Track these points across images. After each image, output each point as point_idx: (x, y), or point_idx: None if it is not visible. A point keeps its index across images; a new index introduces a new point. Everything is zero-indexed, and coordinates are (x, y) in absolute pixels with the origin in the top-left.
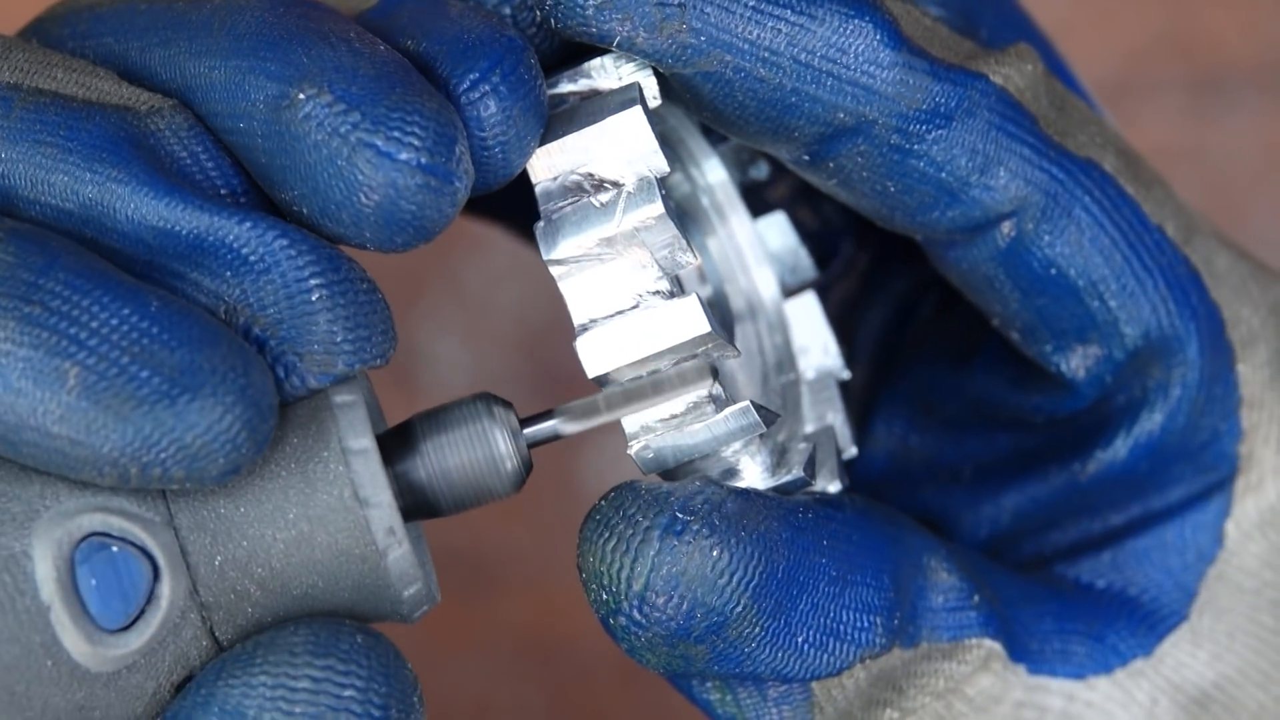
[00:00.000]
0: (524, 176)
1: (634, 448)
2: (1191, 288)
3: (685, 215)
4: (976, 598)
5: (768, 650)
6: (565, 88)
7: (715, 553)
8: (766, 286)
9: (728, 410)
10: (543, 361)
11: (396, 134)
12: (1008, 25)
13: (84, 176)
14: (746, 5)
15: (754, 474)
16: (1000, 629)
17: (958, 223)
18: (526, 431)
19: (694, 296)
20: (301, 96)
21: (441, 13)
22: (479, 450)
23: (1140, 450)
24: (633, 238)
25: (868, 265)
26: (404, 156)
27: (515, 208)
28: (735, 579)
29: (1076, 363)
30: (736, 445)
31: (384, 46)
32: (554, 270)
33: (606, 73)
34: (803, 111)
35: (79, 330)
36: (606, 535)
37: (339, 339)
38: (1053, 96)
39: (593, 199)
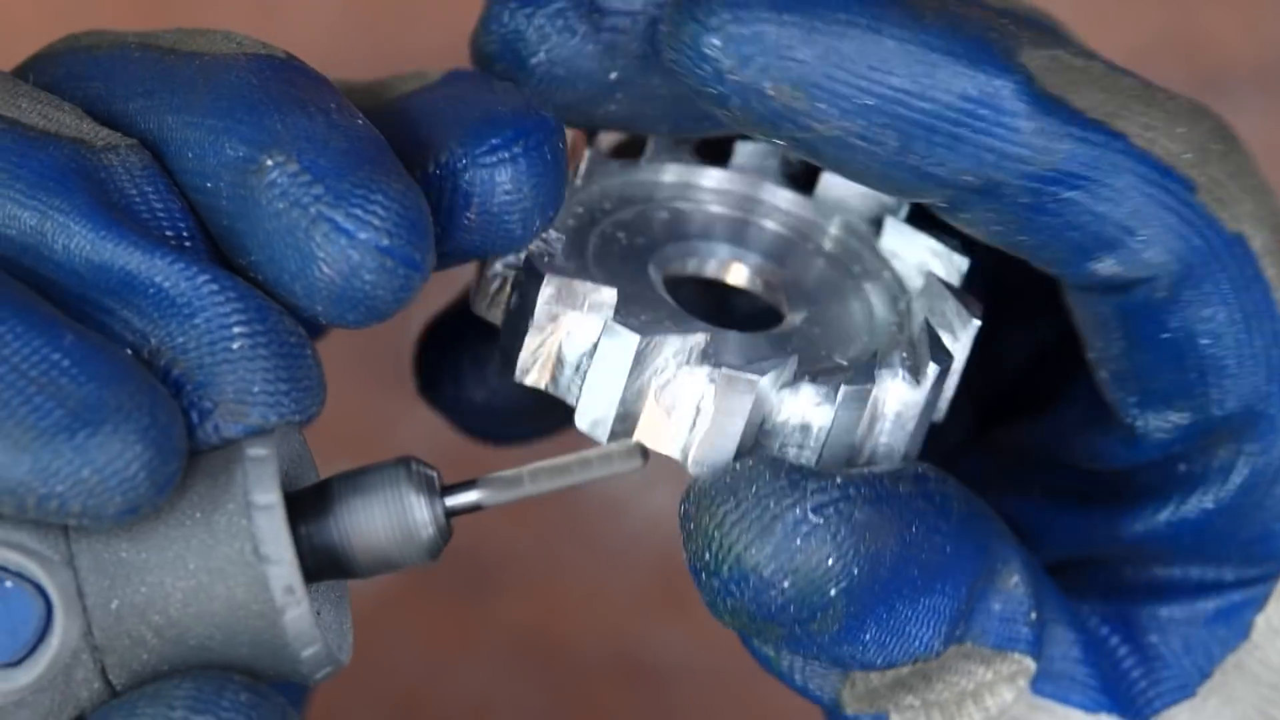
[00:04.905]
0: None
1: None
2: None
3: None
4: (1034, 615)
5: (834, 643)
6: None
7: (830, 561)
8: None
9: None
10: None
11: (357, 211)
12: None
13: (27, 204)
14: (867, 65)
15: (810, 410)
16: (1043, 651)
17: (1085, 280)
18: (448, 501)
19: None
20: (269, 163)
21: (486, 87)
22: (393, 517)
23: (1184, 527)
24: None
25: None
26: (363, 236)
27: None
28: (840, 585)
29: (1152, 421)
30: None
31: (362, 121)
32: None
33: None
34: (927, 175)
35: None
36: (732, 504)
37: (255, 389)
38: (1224, 161)
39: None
